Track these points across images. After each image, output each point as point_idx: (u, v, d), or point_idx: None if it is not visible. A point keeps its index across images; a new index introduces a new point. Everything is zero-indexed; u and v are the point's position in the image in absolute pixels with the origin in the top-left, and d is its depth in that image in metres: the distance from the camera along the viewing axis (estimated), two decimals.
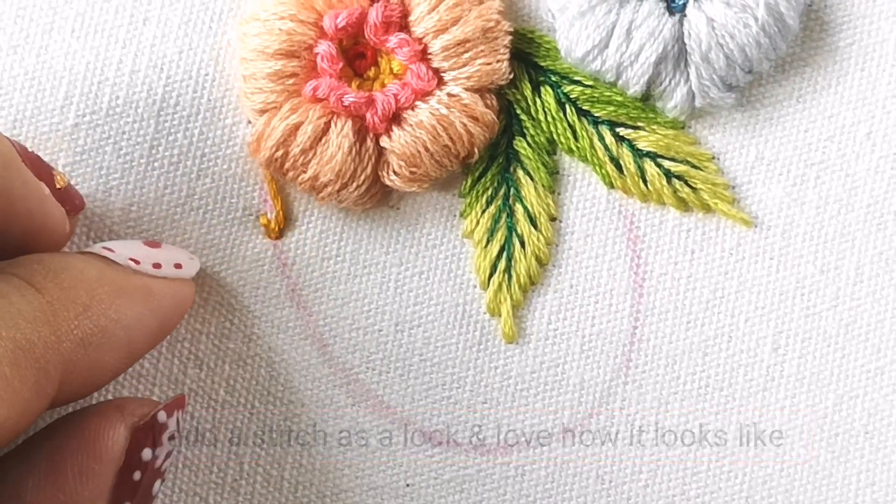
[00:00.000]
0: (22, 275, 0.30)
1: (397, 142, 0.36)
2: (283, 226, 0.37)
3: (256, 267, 0.37)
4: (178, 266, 0.35)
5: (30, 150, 0.34)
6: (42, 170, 0.33)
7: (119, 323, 0.31)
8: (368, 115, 0.36)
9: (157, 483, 0.32)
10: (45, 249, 0.32)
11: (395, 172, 0.36)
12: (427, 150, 0.36)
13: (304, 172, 0.36)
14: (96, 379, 0.31)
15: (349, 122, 0.36)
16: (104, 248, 0.33)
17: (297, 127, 0.36)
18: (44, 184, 0.33)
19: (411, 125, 0.36)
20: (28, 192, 0.31)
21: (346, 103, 0.36)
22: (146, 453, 0.31)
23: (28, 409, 0.28)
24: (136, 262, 0.33)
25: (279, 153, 0.36)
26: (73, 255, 0.32)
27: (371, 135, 0.36)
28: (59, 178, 0.34)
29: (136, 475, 0.31)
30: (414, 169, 0.36)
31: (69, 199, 0.34)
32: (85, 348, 0.30)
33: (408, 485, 0.38)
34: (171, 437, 0.32)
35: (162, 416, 0.32)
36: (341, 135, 0.36)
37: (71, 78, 0.37)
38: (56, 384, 0.29)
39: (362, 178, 0.36)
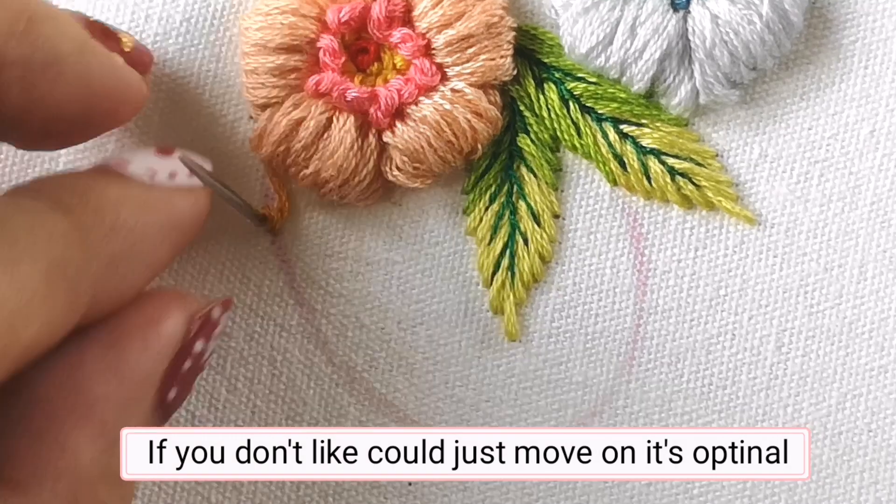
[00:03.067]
0: (49, 197, 0.30)
1: (400, 137, 0.36)
2: (286, 215, 0.37)
3: (258, 265, 0.37)
4: (192, 174, 0.34)
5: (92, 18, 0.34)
6: (109, 37, 0.33)
7: (144, 239, 0.31)
8: (371, 111, 0.36)
9: (197, 378, 0.33)
10: (127, 119, 0.33)
11: (398, 168, 0.36)
12: (430, 145, 0.36)
13: (306, 168, 0.36)
14: (122, 295, 0.31)
15: (351, 118, 0.36)
16: (119, 161, 0.33)
17: (299, 122, 0.36)
18: (116, 53, 0.33)
19: (414, 120, 0.36)
20: (104, 69, 0.32)
21: (349, 98, 0.35)
22: (198, 345, 0.32)
23: (59, 327, 0.28)
24: (154, 172, 0.33)
25: (281, 149, 0.36)
26: (93, 175, 0.32)
27: (373, 130, 0.36)
28: (125, 40, 0.34)
29: (186, 364, 0.31)
30: (417, 164, 0.36)
31: (139, 60, 0.34)
32: (113, 267, 0.30)
33: (410, 483, 0.37)
34: (217, 336, 0.33)
35: (216, 312, 0.32)
36: (343, 130, 0.36)
37: None
38: (86, 303, 0.29)
39: (364, 173, 0.36)
